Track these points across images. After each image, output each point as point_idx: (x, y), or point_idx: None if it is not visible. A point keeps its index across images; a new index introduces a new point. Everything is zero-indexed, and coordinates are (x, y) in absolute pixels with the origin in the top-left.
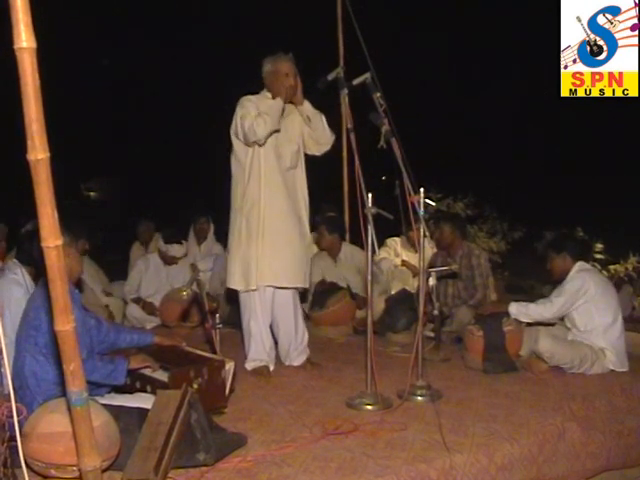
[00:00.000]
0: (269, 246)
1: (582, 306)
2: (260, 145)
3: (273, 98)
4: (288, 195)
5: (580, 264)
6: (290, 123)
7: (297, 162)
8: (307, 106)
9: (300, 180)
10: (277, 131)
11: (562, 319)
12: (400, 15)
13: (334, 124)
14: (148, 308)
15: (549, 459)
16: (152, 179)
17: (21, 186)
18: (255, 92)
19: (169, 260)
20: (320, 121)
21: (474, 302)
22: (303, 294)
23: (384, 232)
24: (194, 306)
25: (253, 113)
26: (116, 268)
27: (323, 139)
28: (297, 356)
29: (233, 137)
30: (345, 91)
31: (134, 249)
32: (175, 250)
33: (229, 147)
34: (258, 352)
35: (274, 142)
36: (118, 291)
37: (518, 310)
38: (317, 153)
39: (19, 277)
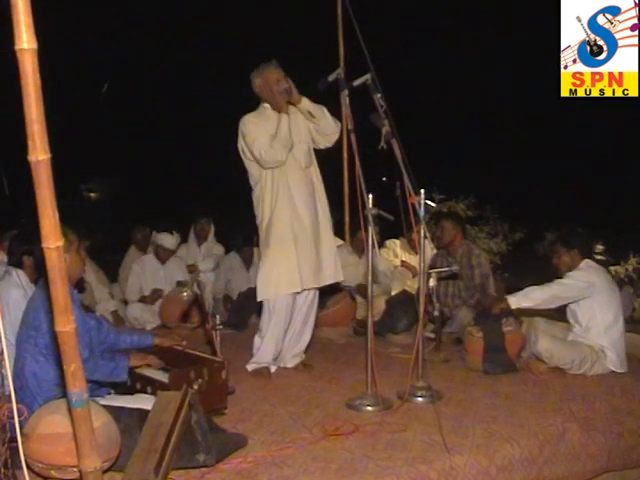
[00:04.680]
0: (295, 250)
1: (586, 301)
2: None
3: (272, 109)
4: (309, 195)
5: (587, 261)
6: (295, 125)
7: (311, 161)
8: (305, 102)
9: (317, 178)
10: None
11: (565, 320)
12: (400, 15)
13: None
14: (151, 297)
15: (549, 460)
16: (152, 179)
17: (22, 187)
18: (252, 107)
19: (161, 253)
20: (322, 112)
21: (474, 301)
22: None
23: (384, 233)
24: (194, 307)
25: (264, 140)
26: (116, 269)
27: (329, 129)
28: (291, 358)
29: (242, 156)
30: (346, 92)
31: (131, 251)
32: (165, 239)
33: (230, 147)
34: (265, 355)
35: None
36: (117, 292)
37: (518, 297)
38: (328, 144)
39: (16, 279)
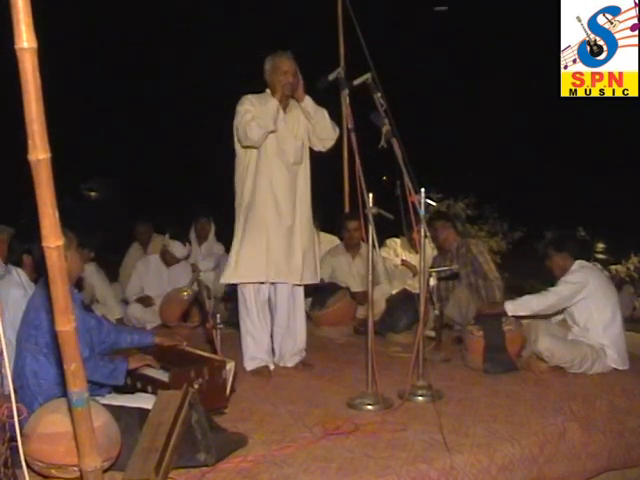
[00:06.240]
0: (265, 241)
1: (581, 302)
2: (256, 147)
3: (273, 96)
4: (289, 191)
5: (579, 262)
6: (293, 119)
7: (302, 158)
8: (308, 102)
9: (304, 176)
10: (273, 131)
11: (564, 319)
12: (400, 14)
13: (335, 124)
14: (146, 301)
15: (550, 459)
16: (153, 179)
17: (23, 186)
18: (257, 91)
19: (169, 259)
20: (322, 117)
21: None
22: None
23: (385, 232)
24: (195, 306)
25: (248, 116)
26: (116, 268)
27: (325, 134)
28: (290, 357)
29: (234, 134)
30: (346, 91)
31: (132, 250)
32: (175, 247)
33: (231, 147)
34: (255, 351)
35: (276, 138)
36: (118, 292)
37: (514, 305)
38: (322, 149)
39: (16, 278)
